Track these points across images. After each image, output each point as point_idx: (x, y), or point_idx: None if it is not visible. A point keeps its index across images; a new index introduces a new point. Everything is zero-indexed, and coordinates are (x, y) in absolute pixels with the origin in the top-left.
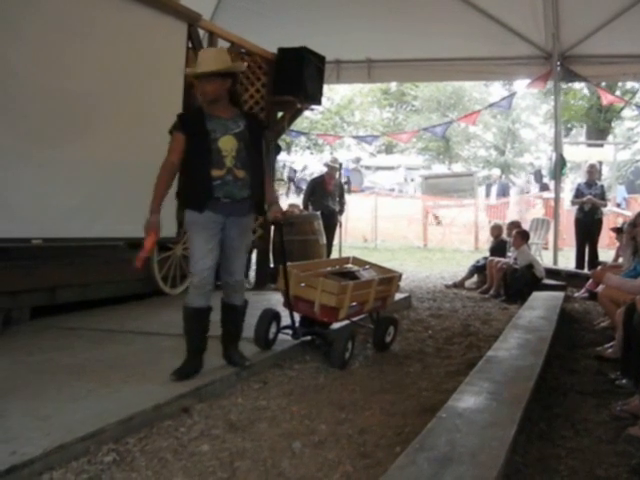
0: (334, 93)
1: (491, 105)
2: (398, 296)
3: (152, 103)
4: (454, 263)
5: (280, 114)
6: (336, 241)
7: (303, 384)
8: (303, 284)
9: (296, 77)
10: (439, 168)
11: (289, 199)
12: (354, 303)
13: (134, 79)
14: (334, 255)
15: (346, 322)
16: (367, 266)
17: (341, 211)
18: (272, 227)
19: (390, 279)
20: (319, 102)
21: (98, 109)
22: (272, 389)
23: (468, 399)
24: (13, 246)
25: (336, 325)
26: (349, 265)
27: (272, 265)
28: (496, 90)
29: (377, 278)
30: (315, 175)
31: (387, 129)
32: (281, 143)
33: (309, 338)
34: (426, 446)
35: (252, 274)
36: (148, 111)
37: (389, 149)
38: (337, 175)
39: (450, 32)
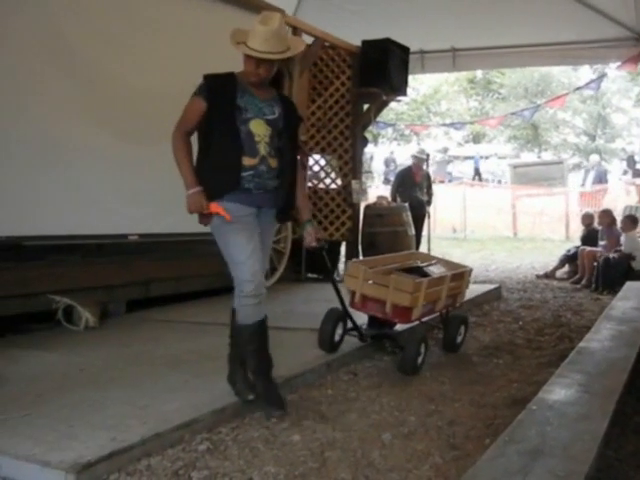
0: (419, 83)
1: (579, 88)
2: (488, 287)
3: None
4: (545, 253)
5: (366, 106)
6: (424, 232)
7: (392, 376)
8: (371, 281)
9: (381, 69)
10: (528, 156)
11: (378, 190)
12: (428, 301)
13: None
14: (423, 247)
15: (416, 323)
16: (434, 261)
17: (429, 202)
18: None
19: (461, 275)
20: (404, 93)
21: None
22: (362, 380)
23: (559, 391)
24: (110, 242)
25: (403, 326)
26: (414, 261)
27: (361, 257)
28: (585, 74)
29: (449, 274)
30: (402, 167)
31: (474, 118)
32: (368, 135)
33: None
34: (516, 438)
35: (342, 266)
36: None
37: (477, 138)
38: (424, 166)
39: (535, 17)
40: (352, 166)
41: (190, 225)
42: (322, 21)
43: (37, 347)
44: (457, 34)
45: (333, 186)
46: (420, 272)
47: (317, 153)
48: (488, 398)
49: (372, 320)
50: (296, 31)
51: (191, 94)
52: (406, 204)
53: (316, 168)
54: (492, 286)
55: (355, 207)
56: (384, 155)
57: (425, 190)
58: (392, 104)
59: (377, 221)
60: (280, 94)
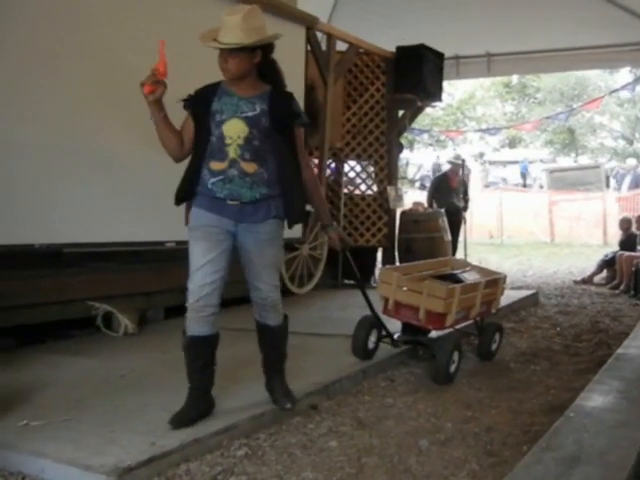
0: (454, 88)
1: (615, 91)
2: (524, 293)
3: None
4: (582, 258)
5: (401, 112)
6: (461, 238)
7: (429, 382)
8: (405, 288)
9: (415, 75)
10: (564, 161)
11: (414, 196)
12: (462, 308)
13: None
14: (459, 253)
15: (449, 330)
16: (468, 268)
17: (465, 208)
18: (398, 224)
19: (495, 281)
20: (439, 99)
21: None
22: (399, 387)
23: (597, 398)
24: (147, 249)
25: (437, 333)
26: (448, 267)
27: (397, 264)
28: (622, 77)
29: (484, 280)
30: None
31: (510, 123)
32: (403, 141)
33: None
34: (553, 445)
35: (378, 272)
36: None
37: (512, 143)
38: (460, 172)
39: (571, 20)
40: (388, 172)
41: None
42: (356, 27)
43: (77, 353)
44: (492, 39)
45: (369, 192)
46: (454, 279)
47: (353, 159)
48: (525, 405)
49: (406, 327)
50: (330, 38)
51: None
52: (442, 210)
53: (352, 174)
54: (529, 292)
55: (391, 213)
56: (431, 160)
57: (461, 196)
58: (427, 109)
59: (413, 227)
60: (276, 90)
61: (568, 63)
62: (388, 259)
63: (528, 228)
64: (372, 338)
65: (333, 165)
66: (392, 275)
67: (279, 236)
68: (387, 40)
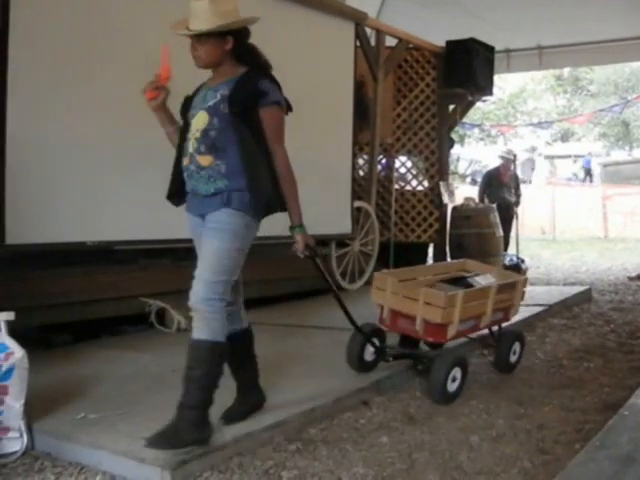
0: (505, 82)
1: None
2: (577, 289)
3: (323, 104)
4: (637, 253)
5: (451, 107)
6: (512, 234)
7: (481, 378)
8: (400, 295)
9: (466, 69)
10: (618, 154)
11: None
12: (467, 317)
13: (304, 81)
14: (511, 249)
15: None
16: (488, 273)
17: (517, 203)
18: (449, 220)
19: (512, 285)
20: (490, 93)
21: None
22: None
23: None
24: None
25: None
26: (460, 271)
27: (449, 259)
28: None
29: (495, 285)
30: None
31: (562, 116)
32: (454, 136)
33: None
34: (607, 444)
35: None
36: (319, 113)
37: (565, 137)
38: (512, 166)
39: (625, 9)
40: (439, 167)
41: (275, 228)
42: (405, 22)
43: (131, 348)
44: (543, 31)
45: (420, 188)
46: (464, 283)
47: (403, 155)
48: (578, 402)
49: (404, 338)
50: (379, 34)
51: None
52: (494, 205)
53: (403, 170)
54: (582, 288)
55: (442, 209)
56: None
57: (513, 191)
58: (478, 104)
59: (464, 223)
60: (247, 72)
61: (622, 54)
62: (439, 255)
63: (581, 223)
64: (371, 349)
65: (384, 161)
66: (386, 280)
67: (229, 229)
68: (436, 35)
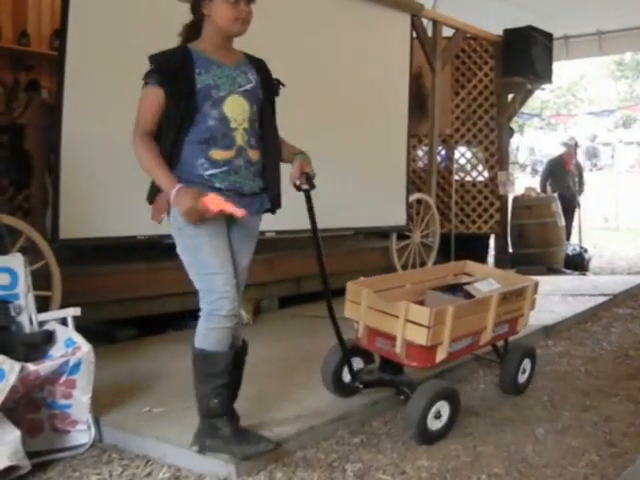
0: (563, 70)
1: None
2: (637, 280)
3: (378, 97)
4: None
5: (510, 96)
6: (575, 223)
7: (545, 369)
8: (378, 310)
9: (524, 57)
10: None
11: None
12: (462, 335)
13: (359, 74)
14: (574, 238)
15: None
16: (491, 277)
17: (580, 192)
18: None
19: (520, 292)
20: (550, 81)
21: (328, 106)
22: None
23: None
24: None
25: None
26: (459, 276)
27: (510, 250)
28: None
29: (497, 294)
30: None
31: (624, 102)
32: (513, 126)
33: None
34: None
35: (491, 259)
36: (374, 106)
37: (627, 123)
38: (575, 154)
39: None
40: (498, 157)
41: (333, 221)
42: (461, 11)
43: None
44: (603, 16)
45: (480, 178)
46: (462, 291)
47: (463, 146)
48: None
49: (385, 361)
50: (436, 24)
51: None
52: (555, 194)
53: (462, 161)
54: None
55: (503, 199)
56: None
57: (577, 179)
58: (537, 92)
59: (525, 213)
60: (250, 56)
61: None
62: (500, 246)
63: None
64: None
65: (443, 152)
66: (360, 292)
67: (258, 232)
68: (494, 23)
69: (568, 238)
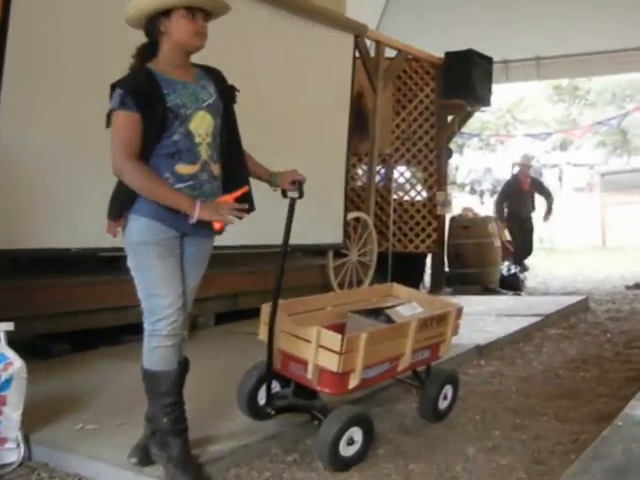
0: (504, 91)
1: None
2: (574, 298)
3: (318, 116)
4: (636, 262)
5: (450, 118)
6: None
7: (477, 389)
8: (291, 334)
9: (464, 80)
10: (617, 162)
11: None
12: (377, 362)
13: (299, 92)
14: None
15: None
16: (415, 301)
17: (549, 209)
18: (447, 229)
19: (442, 318)
20: (488, 104)
21: (267, 122)
22: None
23: None
24: None
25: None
26: (383, 299)
27: (447, 269)
28: None
29: (416, 319)
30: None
31: (561, 125)
32: (453, 145)
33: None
34: (600, 455)
35: (427, 278)
36: (313, 124)
37: (564, 146)
38: (530, 173)
39: (621, 21)
40: (437, 178)
41: (274, 237)
42: (405, 33)
43: (129, 359)
44: (541, 42)
45: (418, 198)
46: (382, 315)
47: (402, 165)
48: (574, 413)
49: (298, 386)
50: (379, 45)
51: (108, 111)
52: (492, 216)
53: (401, 180)
54: (579, 297)
55: (441, 219)
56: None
57: (533, 200)
58: (477, 113)
59: (462, 233)
60: (203, 66)
61: (619, 65)
62: (437, 265)
63: (580, 232)
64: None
65: (383, 171)
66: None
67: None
68: (435, 46)
69: (524, 258)
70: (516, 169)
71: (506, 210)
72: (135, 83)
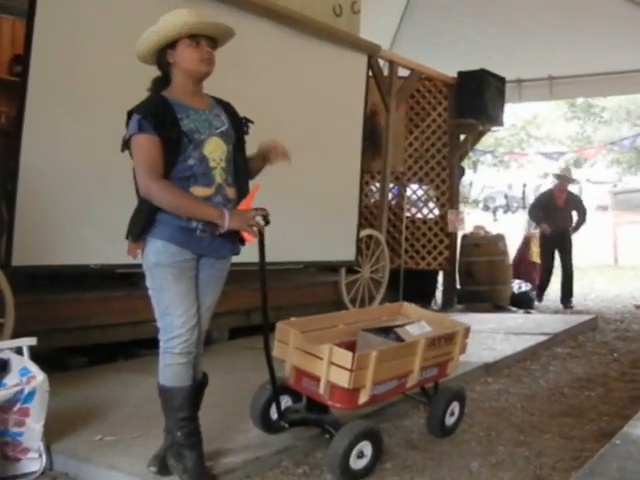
0: (518, 108)
1: None
2: (583, 317)
3: (331, 135)
4: None
5: (462, 137)
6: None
7: (484, 405)
8: (304, 351)
9: (477, 100)
10: (631, 180)
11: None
12: (386, 379)
13: (314, 111)
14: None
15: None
16: (424, 320)
17: (576, 228)
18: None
19: (450, 337)
20: (501, 123)
21: (283, 140)
22: None
23: None
24: None
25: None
26: (392, 317)
27: (458, 286)
28: None
29: (424, 339)
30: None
31: (575, 142)
32: (467, 162)
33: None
34: (596, 472)
35: (439, 295)
36: (327, 143)
37: (578, 163)
38: (568, 187)
39: (635, 41)
40: (449, 196)
41: (287, 255)
42: (418, 52)
43: (146, 372)
44: (554, 62)
45: (430, 216)
46: (394, 334)
47: (415, 183)
48: (577, 431)
49: (311, 400)
50: (392, 65)
51: (127, 137)
52: (503, 234)
53: (414, 198)
54: (588, 317)
55: (452, 236)
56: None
57: (567, 217)
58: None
59: (474, 251)
60: (213, 97)
61: (632, 86)
62: (449, 282)
63: (592, 250)
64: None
65: (395, 189)
66: (288, 332)
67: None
68: (449, 65)
69: (569, 281)
70: (552, 182)
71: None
72: (151, 108)
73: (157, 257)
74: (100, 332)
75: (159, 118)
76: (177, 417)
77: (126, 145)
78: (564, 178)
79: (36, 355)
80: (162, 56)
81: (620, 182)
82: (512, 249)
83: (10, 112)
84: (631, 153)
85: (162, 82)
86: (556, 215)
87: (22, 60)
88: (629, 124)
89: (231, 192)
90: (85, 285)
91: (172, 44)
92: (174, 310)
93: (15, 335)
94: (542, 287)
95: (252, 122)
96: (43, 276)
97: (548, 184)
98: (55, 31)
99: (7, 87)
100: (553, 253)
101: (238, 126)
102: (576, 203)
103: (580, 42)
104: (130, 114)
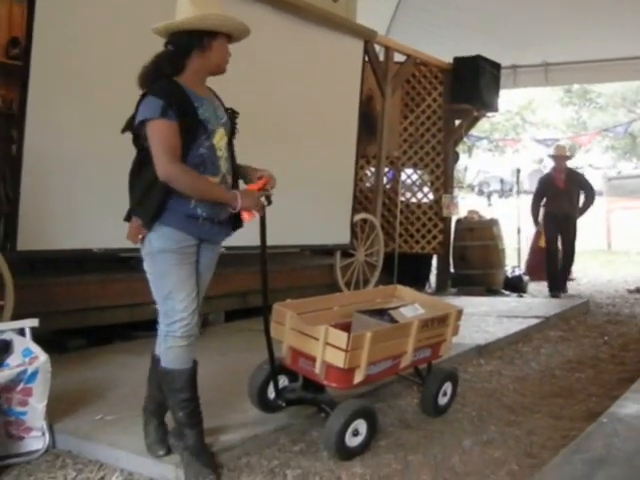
0: (514, 93)
1: None
2: (575, 301)
3: (327, 119)
4: (639, 266)
5: (457, 122)
6: (516, 246)
7: (476, 386)
8: (300, 332)
9: (472, 85)
10: (626, 166)
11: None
12: (381, 359)
13: (309, 96)
14: (513, 260)
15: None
16: (417, 303)
17: (582, 211)
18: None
19: (443, 319)
20: (496, 109)
21: (279, 128)
22: None
23: (631, 405)
24: None
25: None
26: (387, 299)
27: (452, 270)
28: None
29: (417, 320)
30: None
31: (570, 128)
32: (462, 147)
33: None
34: (582, 448)
35: (433, 279)
36: (323, 127)
37: (573, 149)
38: (566, 165)
39: (630, 28)
40: (444, 180)
41: (283, 238)
42: (414, 38)
43: (143, 354)
44: (549, 48)
45: (425, 200)
46: (386, 316)
47: (409, 168)
48: (567, 411)
49: (307, 380)
50: (388, 50)
51: (145, 118)
52: (497, 219)
53: (409, 182)
54: (580, 300)
55: (447, 221)
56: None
57: (572, 197)
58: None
59: (468, 235)
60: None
61: (627, 73)
62: (442, 266)
63: (585, 235)
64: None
65: (390, 173)
66: (284, 314)
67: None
68: (444, 51)
69: (569, 265)
70: (550, 164)
71: (541, 211)
72: (174, 95)
73: (164, 243)
74: (98, 314)
75: (181, 106)
76: (179, 398)
77: (130, 126)
78: (559, 157)
79: (35, 337)
80: (197, 38)
81: (614, 168)
82: (506, 235)
83: (7, 95)
84: (626, 139)
85: (179, 62)
86: (558, 198)
87: (24, 44)
88: (625, 110)
89: (230, 181)
90: (84, 268)
91: (214, 34)
92: (177, 295)
93: (14, 317)
94: (554, 276)
95: (238, 113)
96: (41, 259)
97: (546, 169)
98: (56, 11)
99: (4, 70)
100: (556, 238)
101: (233, 121)
102: (580, 182)
103: (575, 28)
104: (145, 95)
